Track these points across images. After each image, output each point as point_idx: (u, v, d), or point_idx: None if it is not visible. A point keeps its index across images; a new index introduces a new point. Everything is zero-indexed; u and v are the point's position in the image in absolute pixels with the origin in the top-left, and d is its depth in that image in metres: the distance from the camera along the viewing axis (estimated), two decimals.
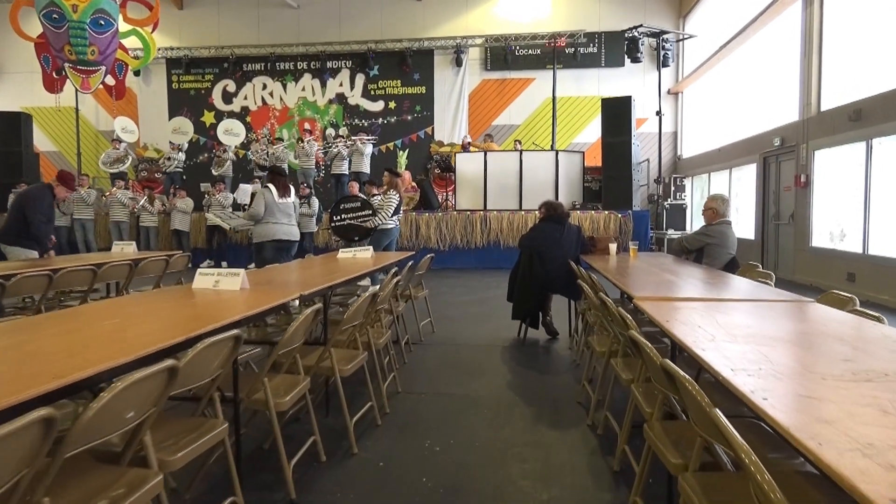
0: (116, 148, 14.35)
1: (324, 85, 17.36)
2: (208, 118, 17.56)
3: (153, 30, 10.11)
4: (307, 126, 15.77)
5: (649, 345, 2.03)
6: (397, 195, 8.19)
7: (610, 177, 12.11)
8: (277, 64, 17.35)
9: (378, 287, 4.99)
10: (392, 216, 8.22)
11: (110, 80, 9.75)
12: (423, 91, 17.08)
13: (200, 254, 12.85)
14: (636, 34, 13.29)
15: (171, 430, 2.14)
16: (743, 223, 12.02)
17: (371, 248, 5.42)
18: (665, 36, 13.47)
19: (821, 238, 9.41)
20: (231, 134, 15.39)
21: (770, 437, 1.85)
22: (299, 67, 17.43)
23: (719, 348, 1.88)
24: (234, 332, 2.18)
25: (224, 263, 12.65)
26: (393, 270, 4.49)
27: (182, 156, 14.54)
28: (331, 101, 17.37)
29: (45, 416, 1.29)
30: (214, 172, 14.27)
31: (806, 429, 1.19)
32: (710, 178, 14.41)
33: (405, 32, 16.92)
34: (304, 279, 3.82)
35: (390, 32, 16.97)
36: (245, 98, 17.65)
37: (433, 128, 16.99)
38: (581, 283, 3.88)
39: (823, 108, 9.44)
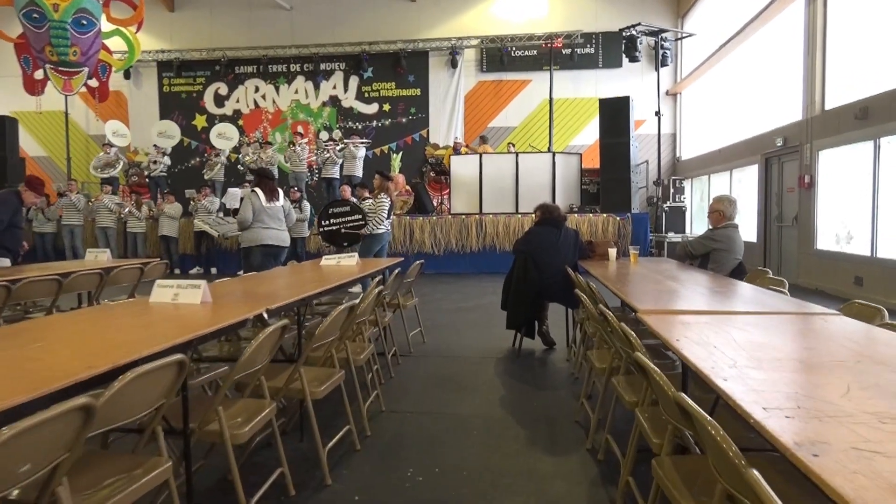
0: (107, 152, 14.04)
1: (317, 87, 17.09)
2: (200, 122, 17.28)
3: (137, 30, 9.83)
4: (300, 129, 15.48)
5: (659, 371, 1.73)
6: (388, 199, 7.91)
7: (608, 179, 11.82)
8: (270, 66, 17.07)
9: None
10: (383, 221, 7.94)
11: (93, 82, 9.44)
12: (418, 93, 16.81)
13: (189, 260, 12.56)
14: (634, 33, 13.01)
15: (102, 473, 1.84)
16: (744, 225, 11.68)
17: (356, 254, 5.11)
18: (664, 35, 13.19)
19: (826, 240, 9.12)
20: (224, 138, 15.10)
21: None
22: (292, 70, 17.15)
23: (743, 377, 1.58)
24: (177, 357, 1.87)
25: (213, 270, 12.35)
26: (377, 279, 4.19)
27: (167, 160, 14.23)
28: (324, 104, 17.09)
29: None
30: (206, 177, 14.01)
31: None
32: (710, 179, 14.13)
33: (399, 33, 16.65)
34: (279, 289, 3.52)
35: (384, 34, 16.69)
36: (237, 101, 17.37)
37: (428, 130, 16.72)
38: (579, 292, 3.58)
39: (828, 106, 9.17)
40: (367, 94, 16.93)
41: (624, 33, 13.31)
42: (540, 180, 12.10)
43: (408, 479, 2.83)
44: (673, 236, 12.02)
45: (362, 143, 13.63)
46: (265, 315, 2.76)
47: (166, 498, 2.05)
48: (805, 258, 9.57)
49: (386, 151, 16.57)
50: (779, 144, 10.34)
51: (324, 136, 15.67)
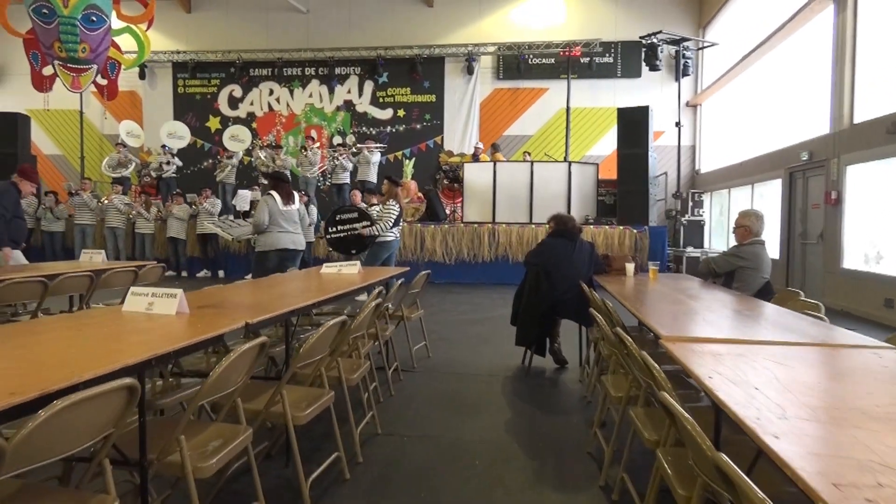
0: (119, 152, 13.95)
1: (331, 91, 16.93)
2: (213, 123, 17.19)
3: (148, 27, 9.68)
4: (313, 133, 15.32)
5: (692, 421, 1.44)
6: (397, 205, 7.66)
7: (625, 191, 11.50)
8: (285, 69, 16.95)
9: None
10: (392, 227, 7.69)
11: (102, 80, 9.31)
12: (433, 99, 16.59)
13: (197, 263, 12.38)
14: (655, 41, 12.70)
15: None
16: (766, 242, 11.31)
17: (358, 263, 4.85)
18: (685, 43, 12.87)
19: (854, 260, 8.73)
20: (237, 140, 14.99)
21: None
22: (307, 73, 17.01)
23: (798, 433, 1.28)
24: (125, 382, 1.61)
25: (221, 273, 12.17)
26: (377, 290, 3.93)
27: (178, 160, 14.13)
28: (338, 108, 16.93)
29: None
30: (217, 179, 13.87)
31: None
32: (731, 193, 13.75)
33: (416, 39, 16.46)
34: (269, 299, 3.26)
35: (400, 39, 16.51)
36: (251, 104, 17.26)
37: (443, 137, 16.48)
38: (594, 312, 3.29)
39: (857, 119, 8.79)
40: (381, 100, 16.74)
41: (644, 41, 13.00)
42: (555, 190, 11.80)
43: None
44: (692, 251, 11.66)
45: (378, 147, 13.41)
46: (247, 327, 2.51)
47: None
48: (831, 278, 9.17)
49: (399, 157, 16.34)
50: (804, 158, 9.96)
51: (337, 140, 15.45)
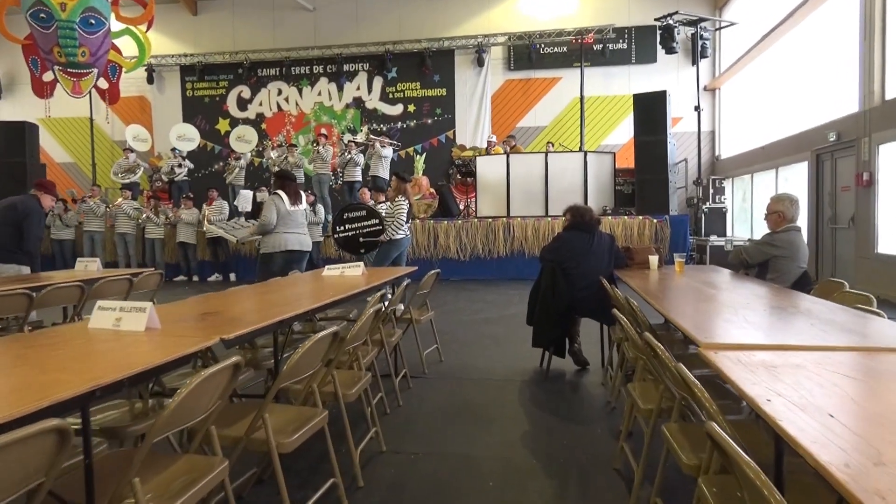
0: (127, 157, 13.83)
1: (340, 89, 16.66)
2: (223, 126, 17.01)
3: (148, 28, 9.46)
4: (323, 131, 15.06)
5: (756, 468, 1.10)
6: (407, 202, 7.35)
7: (644, 179, 11.09)
8: (293, 68, 16.71)
9: (387, 301, 4.15)
10: (402, 225, 7.39)
11: (103, 84, 9.11)
12: (444, 93, 16.24)
13: (208, 267, 12.22)
14: (671, 22, 12.24)
15: None
16: None
17: (362, 264, 4.55)
18: (703, 24, 12.39)
19: (888, 244, 8.27)
20: (243, 141, 14.81)
21: None
22: (315, 71, 16.75)
23: None
24: (52, 424, 1.33)
25: (232, 276, 11.99)
26: (378, 294, 3.63)
27: (189, 163, 14.00)
28: (348, 106, 16.65)
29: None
30: (227, 181, 13.71)
31: None
32: (753, 178, 13.25)
33: (424, 32, 16.12)
34: (257, 308, 2.97)
35: (409, 33, 16.19)
36: (260, 104, 17.05)
37: (454, 131, 16.14)
38: (618, 313, 2.95)
39: (889, 96, 8.32)
40: (391, 95, 16.44)
41: (660, 23, 12.54)
42: (571, 181, 11.42)
43: None
44: (715, 239, 11.21)
45: (391, 143, 13.11)
46: (222, 342, 2.22)
47: None
48: (863, 263, 8.72)
49: (411, 153, 16.04)
50: (832, 139, 9.49)
51: (347, 137, 15.17)
